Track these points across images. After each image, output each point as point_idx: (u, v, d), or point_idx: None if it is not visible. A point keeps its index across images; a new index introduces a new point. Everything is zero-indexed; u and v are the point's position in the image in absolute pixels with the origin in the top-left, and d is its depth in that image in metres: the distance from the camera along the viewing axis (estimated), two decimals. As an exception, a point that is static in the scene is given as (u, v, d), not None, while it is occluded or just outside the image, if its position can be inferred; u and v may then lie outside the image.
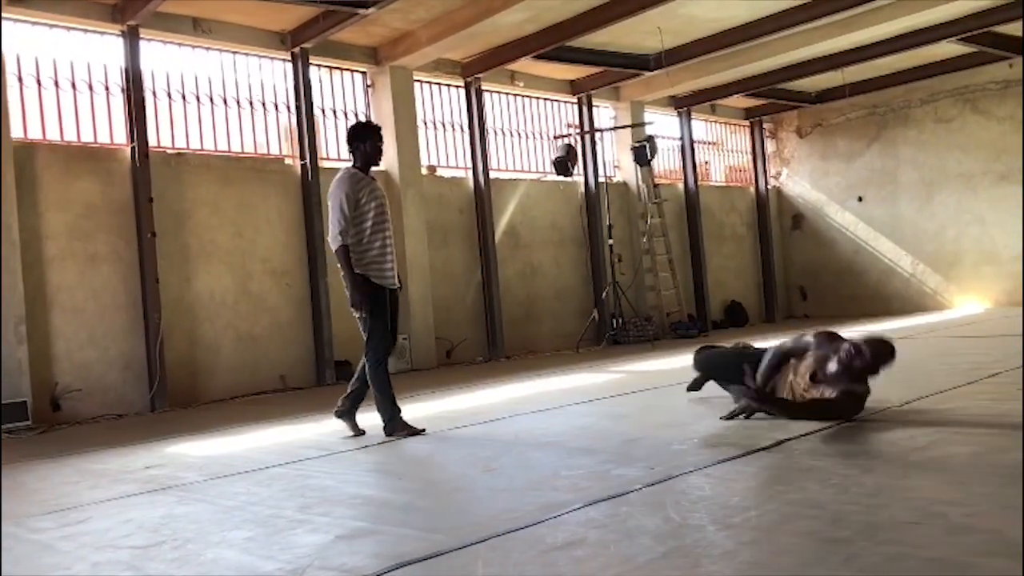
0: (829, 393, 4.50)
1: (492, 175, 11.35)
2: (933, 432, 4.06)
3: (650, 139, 11.93)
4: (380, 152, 5.34)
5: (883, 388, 5.61)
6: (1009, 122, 13.06)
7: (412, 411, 6.42)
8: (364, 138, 5.32)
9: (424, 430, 5.29)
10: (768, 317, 15.20)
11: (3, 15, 7.39)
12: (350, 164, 5.36)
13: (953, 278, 13.80)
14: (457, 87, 11.26)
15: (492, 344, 11.03)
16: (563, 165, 11.23)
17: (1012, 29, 11.43)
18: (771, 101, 14.57)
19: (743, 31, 10.66)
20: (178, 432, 6.38)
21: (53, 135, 8.05)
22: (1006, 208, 13.12)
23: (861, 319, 13.15)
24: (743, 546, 2.59)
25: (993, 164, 13.27)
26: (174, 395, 8.30)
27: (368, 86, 10.44)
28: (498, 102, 11.87)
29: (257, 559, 2.90)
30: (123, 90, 8.35)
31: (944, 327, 10.47)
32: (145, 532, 3.40)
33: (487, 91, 11.51)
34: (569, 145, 11.46)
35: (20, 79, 7.85)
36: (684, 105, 13.90)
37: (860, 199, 14.77)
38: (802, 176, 15.56)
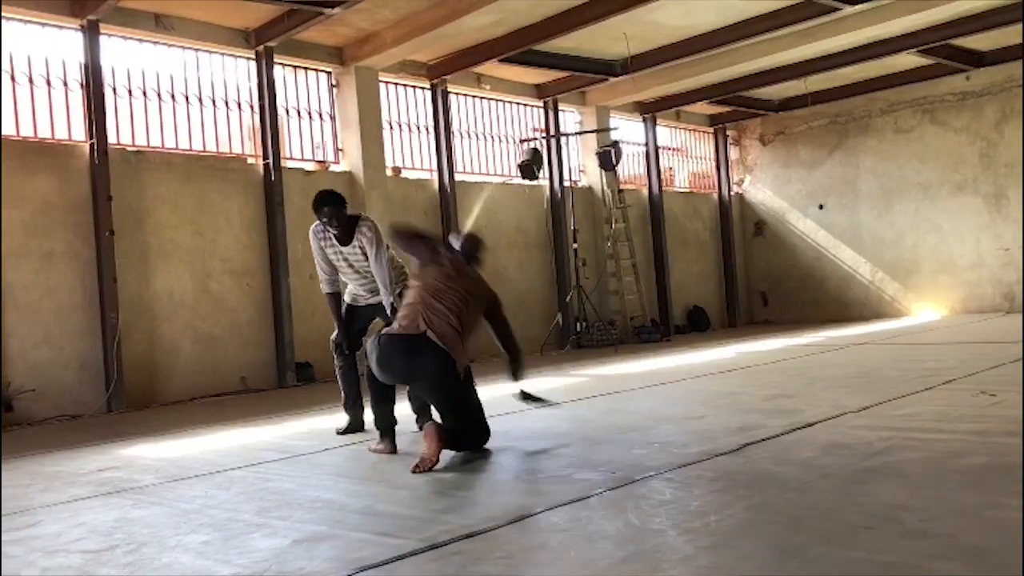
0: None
1: (457, 177, 11.32)
2: (889, 437, 4.12)
3: (615, 144, 11.98)
4: (332, 223, 5.39)
5: (841, 394, 5.70)
6: (965, 133, 13.31)
7: (371, 414, 6.38)
8: (315, 210, 5.46)
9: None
10: (730, 322, 15.34)
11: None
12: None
13: (911, 286, 14.02)
14: (423, 89, 11.23)
15: (455, 347, 10.97)
16: (529, 169, 11.24)
17: (969, 42, 11.67)
18: (735, 108, 14.71)
19: (708, 39, 10.75)
20: (135, 434, 6.28)
21: (9, 130, 7.87)
22: (962, 217, 13.37)
23: (822, 325, 13.32)
24: (702, 551, 2.60)
25: (951, 174, 13.51)
26: (131, 396, 8.17)
27: (333, 86, 10.36)
28: (464, 104, 11.85)
29: (214, 563, 2.85)
30: (82, 86, 8.20)
31: (901, 334, 10.64)
32: (98, 536, 3.33)
33: (453, 93, 11.48)
34: (535, 149, 11.47)
35: (-25, 72, 7.69)
36: (649, 111, 13.99)
37: (821, 207, 14.95)
38: (764, 183, 15.73)
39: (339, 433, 5.51)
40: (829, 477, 3.44)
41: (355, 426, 5.55)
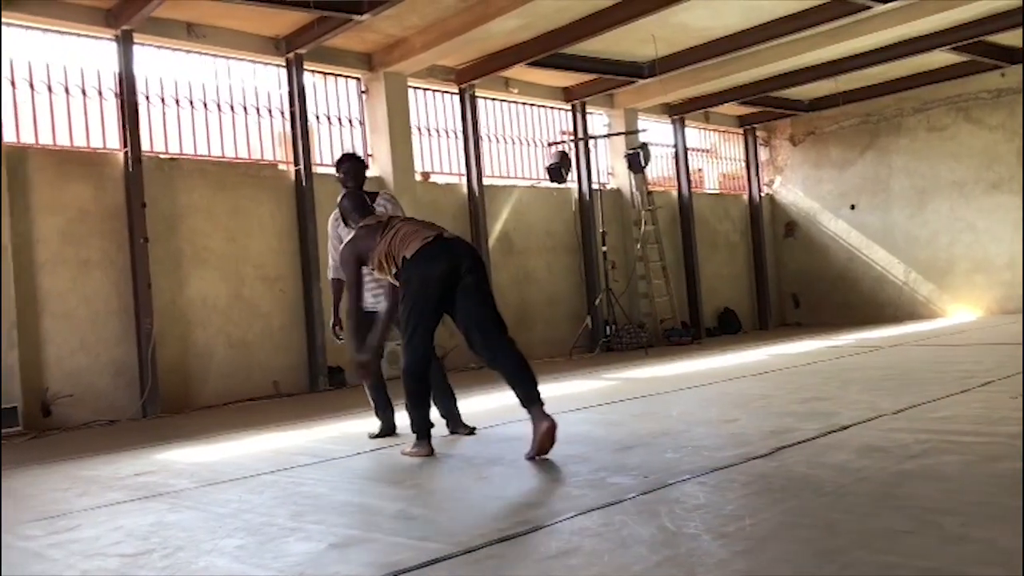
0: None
1: (486, 181, 11.35)
2: (927, 440, 4.06)
3: (644, 146, 11.95)
4: (348, 182, 5.56)
5: (876, 396, 5.63)
6: (1001, 131, 13.12)
7: (404, 418, 6.39)
8: (336, 167, 5.70)
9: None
10: (761, 324, 15.23)
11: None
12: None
13: (946, 286, 13.84)
14: (451, 93, 11.27)
15: (485, 351, 10.99)
16: (557, 172, 11.24)
17: (1004, 39, 11.49)
18: (765, 109, 14.61)
19: (737, 39, 10.70)
20: (169, 438, 6.35)
21: (46, 139, 8.03)
22: (998, 216, 13.18)
23: (854, 326, 13.18)
24: (737, 555, 2.58)
25: (985, 172, 13.33)
26: (166, 401, 8.27)
27: (362, 92, 10.43)
28: (492, 108, 11.88)
29: (249, 567, 2.87)
30: (116, 95, 8.33)
31: (936, 335, 10.50)
32: (135, 540, 3.37)
33: (481, 97, 11.51)
34: (563, 152, 11.47)
35: (13, 83, 7.82)
36: (678, 113, 13.93)
37: (853, 207, 14.81)
38: (795, 184, 15.60)
39: (371, 437, 5.52)
40: (865, 480, 3.40)
41: (387, 430, 5.56)
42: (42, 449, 6.36)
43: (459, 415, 5.41)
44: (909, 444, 4.00)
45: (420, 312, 4.62)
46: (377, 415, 5.60)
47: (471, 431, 5.34)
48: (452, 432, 5.35)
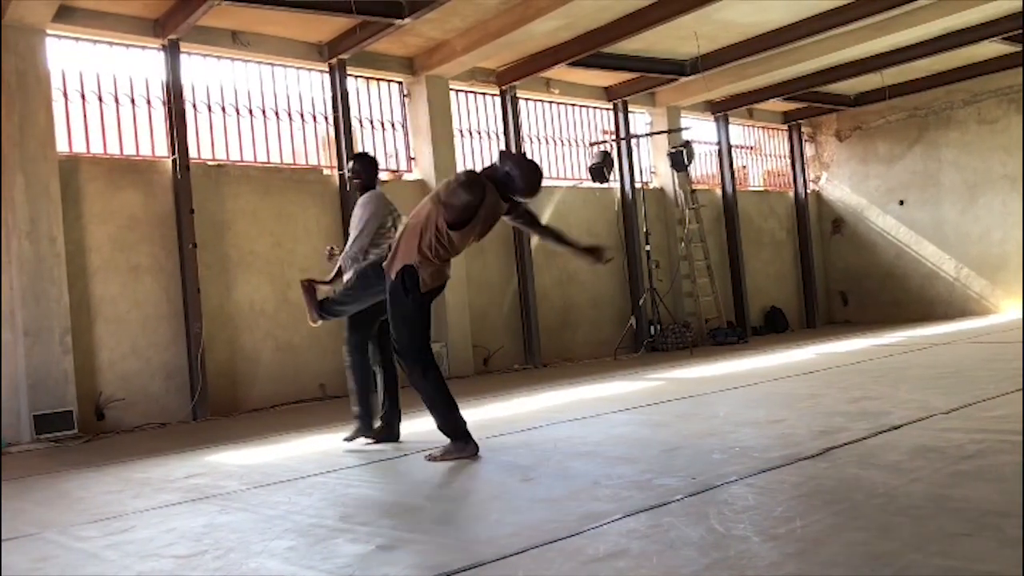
0: None
1: (528, 183, 11.32)
2: (981, 440, 3.97)
3: (687, 144, 11.86)
4: (352, 180, 5.94)
5: (928, 395, 5.52)
6: (1055, 122, 12.80)
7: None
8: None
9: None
10: (809, 323, 15.02)
11: (48, 31, 7.56)
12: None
13: (999, 282, 13.52)
14: (493, 95, 11.29)
15: (529, 352, 11.02)
16: (599, 172, 11.21)
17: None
18: (809, 104, 14.40)
19: (780, 35, 10.56)
20: (219, 441, 6.45)
21: (97, 148, 8.20)
22: (1053, 210, 12.84)
23: (904, 324, 12.94)
24: (789, 557, 2.55)
25: (1039, 165, 13.00)
26: (215, 404, 8.39)
27: (404, 96, 10.49)
28: (533, 109, 11.87)
29: (299, 569, 2.91)
30: (164, 103, 8.48)
31: (989, 332, 10.27)
32: (188, 541, 3.42)
33: (522, 99, 11.51)
34: (605, 151, 11.43)
35: (65, 94, 8.00)
36: (721, 110, 13.80)
37: (901, 203, 14.54)
38: (842, 180, 15.37)
39: (346, 439, 5.54)
40: (919, 481, 3.34)
41: (364, 432, 5.54)
42: (96, 452, 6.50)
43: (377, 419, 5.53)
44: (963, 444, 3.92)
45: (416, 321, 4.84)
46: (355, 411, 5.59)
47: (377, 439, 5.48)
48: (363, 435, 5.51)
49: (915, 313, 14.05)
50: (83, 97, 8.14)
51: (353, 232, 5.61)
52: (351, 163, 5.90)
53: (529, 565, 2.70)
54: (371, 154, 6.47)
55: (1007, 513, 2.79)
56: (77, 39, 8.11)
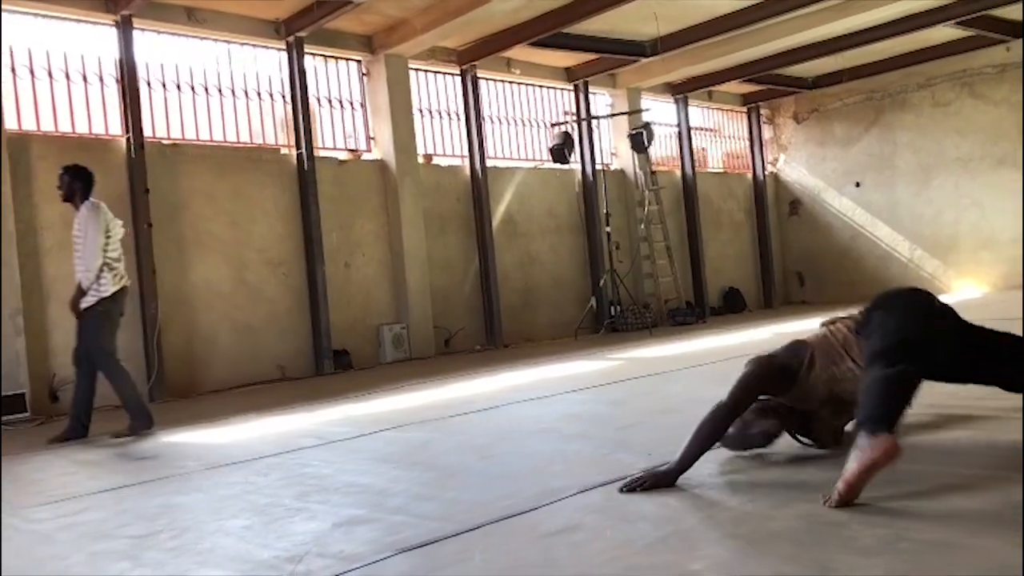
0: None
1: (489, 163, 11.33)
2: (936, 414, 4.06)
3: (647, 126, 11.91)
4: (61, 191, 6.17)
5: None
6: (1006, 105, 13.04)
7: (409, 400, 6.44)
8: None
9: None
10: (767, 303, 15.22)
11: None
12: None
13: (951, 263, 13.80)
14: (453, 75, 11.23)
15: (490, 332, 11.03)
16: (560, 152, 11.22)
17: (1008, 12, 11.40)
18: (768, 87, 14.54)
19: (739, 17, 10.64)
20: (176, 422, 6.38)
21: (47, 126, 8.02)
22: (1004, 192, 13.11)
23: (859, 304, 13.13)
24: (739, 530, 2.59)
25: (991, 148, 13.26)
26: (172, 386, 8.30)
27: (363, 75, 10.40)
28: (494, 89, 11.84)
29: (255, 547, 2.90)
30: (117, 81, 8.32)
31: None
32: (142, 521, 3.40)
33: (483, 79, 11.47)
34: (566, 132, 11.44)
35: (13, 70, 7.81)
36: (681, 91, 13.88)
37: (858, 184, 14.76)
38: (799, 162, 15.55)
39: (49, 441, 5.82)
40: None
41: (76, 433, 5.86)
42: (50, 434, 6.39)
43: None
44: (917, 415, 4.00)
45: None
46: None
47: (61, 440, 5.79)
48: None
49: (870, 293, 13.79)
50: (32, 74, 7.95)
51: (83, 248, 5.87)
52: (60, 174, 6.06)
53: (485, 540, 2.72)
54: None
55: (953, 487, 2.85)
56: (26, 13, 7.91)
